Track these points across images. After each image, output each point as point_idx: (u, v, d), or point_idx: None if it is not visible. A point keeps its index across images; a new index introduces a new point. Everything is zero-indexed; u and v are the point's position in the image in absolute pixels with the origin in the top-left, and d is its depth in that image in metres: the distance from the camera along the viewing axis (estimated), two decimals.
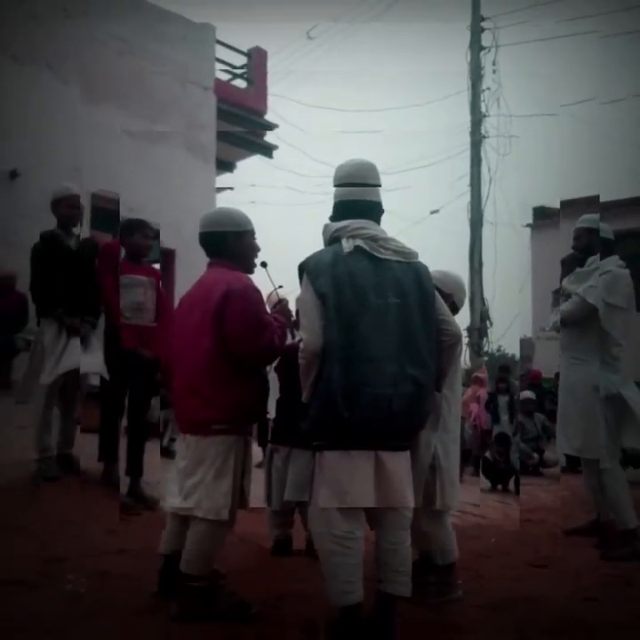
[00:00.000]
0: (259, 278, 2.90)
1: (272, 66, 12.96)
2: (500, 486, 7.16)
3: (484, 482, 7.11)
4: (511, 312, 18.45)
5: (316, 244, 2.64)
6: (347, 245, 2.45)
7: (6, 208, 8.03)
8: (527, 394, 8.33)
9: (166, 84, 10.05)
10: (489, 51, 13.63)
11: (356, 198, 2.58)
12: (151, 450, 4.88)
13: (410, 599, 2.53)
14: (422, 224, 23.44)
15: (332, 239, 2.54)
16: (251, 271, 2.85)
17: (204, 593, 2.60)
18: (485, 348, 15.00)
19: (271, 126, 12.53)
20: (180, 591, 2.59)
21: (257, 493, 3.41)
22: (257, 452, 3.35)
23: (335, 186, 2.65)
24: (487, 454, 7.55)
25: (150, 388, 4.42)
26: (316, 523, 2.43)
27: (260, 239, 2.86)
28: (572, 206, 14.24)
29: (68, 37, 8.82)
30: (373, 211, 2.61)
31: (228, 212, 2.88)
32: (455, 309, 3.07)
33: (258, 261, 2.89)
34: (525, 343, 14.98)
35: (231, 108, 11.47)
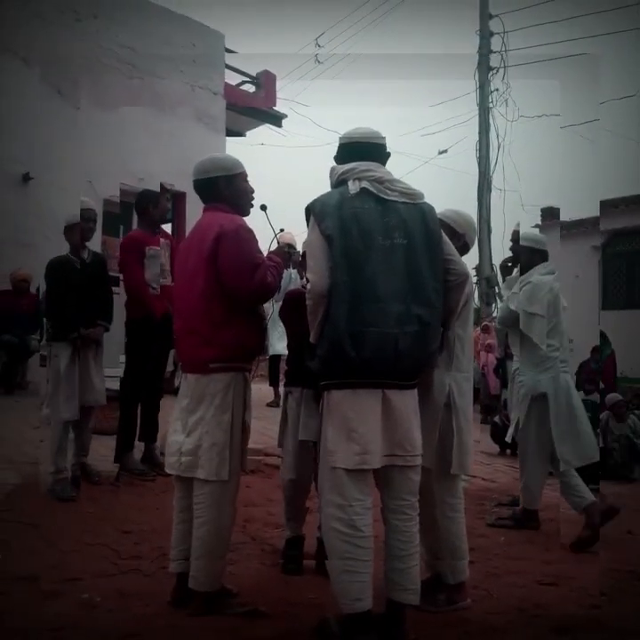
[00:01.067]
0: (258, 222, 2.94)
1: (279, 87, 12.96)
2: (508, 451, 7.14)
3: (493, 446, 7.13)
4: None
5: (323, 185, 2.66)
6: (353, 187, 2.46)
7: (20, 210, 8.11)
8: None
9: (175, 87, 10.11)
10: (497, 72, 13.53)
11: (362, 140, 2.62)
12: (164, 406, 4.93)
13: (418, 608, 2.56)
14: (431, 164, 23.27)
15: (338, 182, 2.56)
16: (246, 213, 2.89)
17: (216, 600, 2.64)
18: (494, 315, 14.90)
19: (280, 116, 12.48)
20: (194, 600, 2.63)
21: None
22: (268, 392, 3.38)
23: (341, 139, 2.69)
24: (496, 419, 7.55)
25: (166, 354, 4.67)
26: (326, 489, 2.44)
27: (266, 182, 2.89)
28: (581, 225, 14.36)
29: (78, 46, 8.86)
30: (379, 153, 2.64)
31: (218, 158, 2.95)
32: (466, 248, 3.10)
33: (257, 204, 2.93)
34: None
35: (240, 110, 11.52)
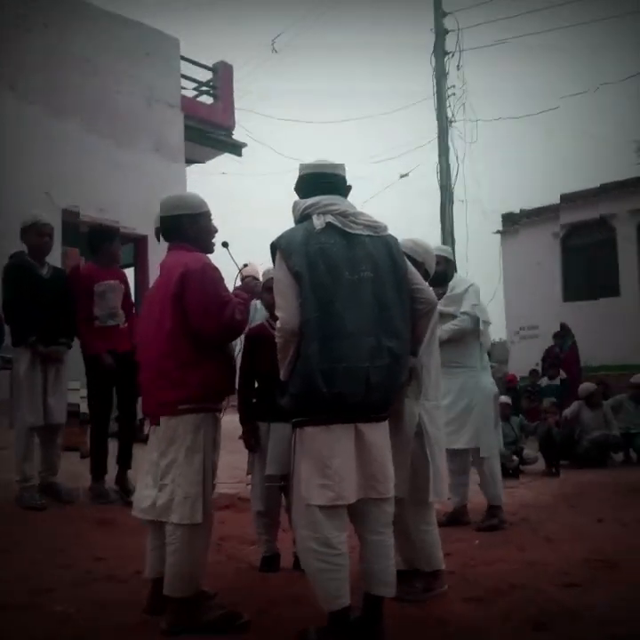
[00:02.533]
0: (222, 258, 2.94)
1: (237, 80, 12.97)
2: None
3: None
4: (485, 292, 18.58)
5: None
6: (318, 222, 2.46)
7: None
8: (503, 399, 8.36)
9: (132, 102, 9.99)
10: (453, 55, 13.67)
11: (323, 171, 2.62)
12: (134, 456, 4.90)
13: (396, 598, 2.58)
14: (393, 188, 23.67)
15: (302, 216, 2.55)
16: (209, 251, 2.88)
17: (192, 606, 2.60)
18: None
19: (240, 145, 12.55)
20: (168, 607, 2.59)
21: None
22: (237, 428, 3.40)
23: (300, 170, 2.68)
24: None
25: (133, 379, 4.53)
26: (301, 525, 2.44)
27: (228, 211, 2.89)
28: (542, 213, 14.65)
29: (29, 54, 8.72)
30: (340, 185, 2.64)
31: (182, 197, 2.93)
32: (427, 276, 3.14)
33: (219, 241, 2.93)
34: (499, 347, 15.10)
35: (199, 125, 11.45)
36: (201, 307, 2.60)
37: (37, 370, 4.28)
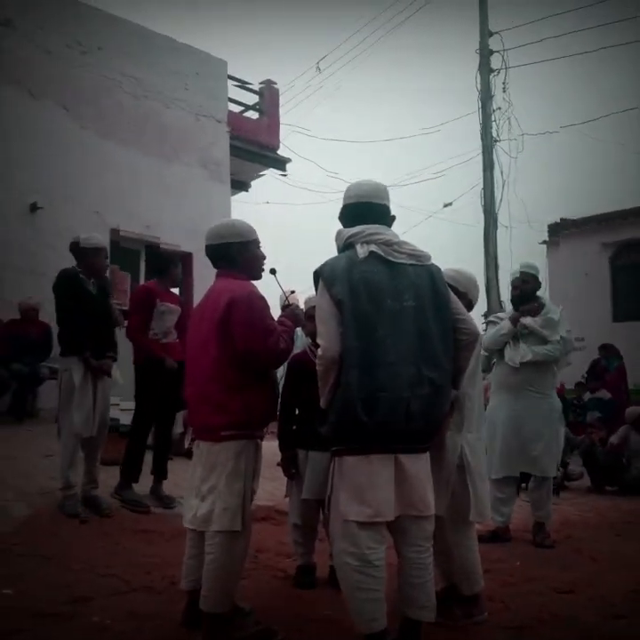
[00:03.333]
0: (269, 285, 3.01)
1: (283, 98, 13.17)
2: (524, 485, 7.02)
3: None
4: None
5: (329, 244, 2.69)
6: (361, 251, 2.46)
7: (29, 240, 8.21)
8: None
9: (180, 118, 10.24)
10: (498, 73, 13.61)
11: (368, 201, 2.61)
12: (174, 470, 4.97)
13: (435, 623, 2.53)
14: (435, 217, 23.66)
15: (345, 245, 2.56)
16: (257, 278, 2.92)
17: (228, 622, 2.60)
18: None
19: (284, 160, 12.68)
20: (203, 622, 2.60)
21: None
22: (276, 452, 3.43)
23: (345, 198, 2.68)
24: None
25: (176, 393, 4.63)
26: (338, 537, 2.42)
27: (272, 241, 2.94)
28: (589, 223, 14.37)
29: (82, 76, 9.02)
30: (384, 215, 2.63)
31: (232, 224, 2.95)
32: (470, 306, 3.11)
33: (267, 268, 2.96)
34: None
35: (245, 145, 11.60)
36: (247, 334, 2.62)
37: (89, 381, 4.40)
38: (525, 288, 4.61)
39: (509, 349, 4.51)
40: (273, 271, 2.99)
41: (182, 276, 9.96)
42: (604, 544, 4.37)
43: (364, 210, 2.60)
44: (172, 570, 3.20)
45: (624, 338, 12.01)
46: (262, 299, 2.75)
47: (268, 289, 2.98)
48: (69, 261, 4.64)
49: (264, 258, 2.94)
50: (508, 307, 5.04)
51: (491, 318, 4.92)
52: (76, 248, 4.57)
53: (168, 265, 5.02)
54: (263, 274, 2.96)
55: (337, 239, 2.62)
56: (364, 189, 2.65)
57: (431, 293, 2.49)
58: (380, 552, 2.37)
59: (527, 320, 4.49)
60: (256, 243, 2.91)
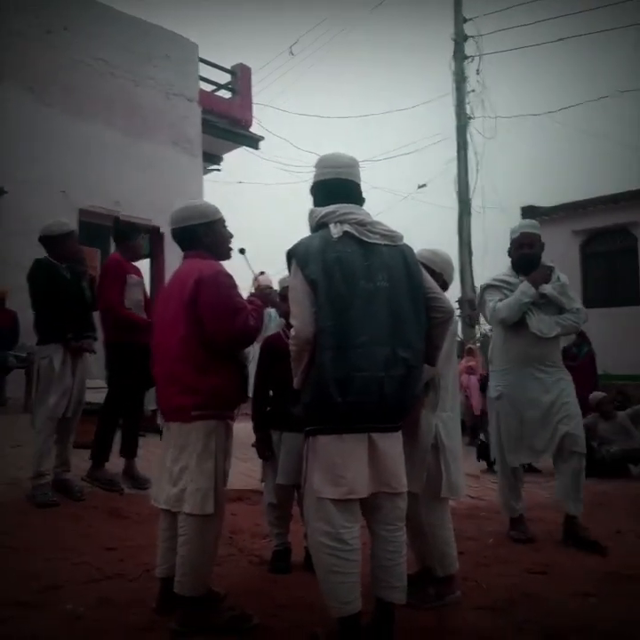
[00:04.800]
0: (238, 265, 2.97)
1: (255, 82, 13.07)
2: (496, 468, 7.13)
3: (481, 464, 7.10)
4: None
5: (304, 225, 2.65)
6: (335, 231, 2.44)
7: None
8: None
9: (150, 97, 10.08)
10: (472, 60, 13.66)
11: (344, 178, 2.58)
12: (147, 448, 4.93)
13: (408, 604, 2.54)
14: (410, 199, 23.94)
15: (318, 225, 2.53)
16: (226, 258, 2.89)
17: (202, 606, 2.59)
18: (477, 334, 15.02)
19: (257, 138, 12.60)
20: (178, 607, 2.59)
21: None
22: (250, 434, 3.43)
23: (319, 171, 2.63)
24: (482, 436, 7.56)
25: (145, 371, 4.58)
26: (312, 516, 2.43)
27: (245, 220, 2.90)
28: (562, 210, 14.54)
29: (48, 56, 8.80)
30: (357, 193, 2.61)
31: (194, 206, 2.91)
32: (445, 287, 3.10)
33: (236, 248, 2.94)
34: None
35: (217, 121, 11.51)
36: (214, 313, 2.61)
37: (68, 365, 4.37)
38: (533, 252, 4.12)
39: (534, 319, 3.96)
40: (242, 251, 2.97)
41: (153, 252, 9.99)
42: None
43: (338, 187, 2.57)
44: (146, 556, 3.18)
45: (594, 324, 12.19)
46: (230, 277, 2.73)
47: (238, 270, 2.94)
48: (37, 248, 4.55)
49: (231, 236, 2.91)
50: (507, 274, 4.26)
51: (491, 282, 4.21)
52: (44, 239, 4.49)
53: (128, 235, 4.88)
54: (232, 254, 2.93)
55: (310, 218, 2.59)
56: (340, 162, 2.61)
57: (404, 274, 2.49)
58: (354, 531, 2.38)
59: (547, 288, 4.00)
60: (221, 222, 2.88)
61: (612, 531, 4.26)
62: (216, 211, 2.87)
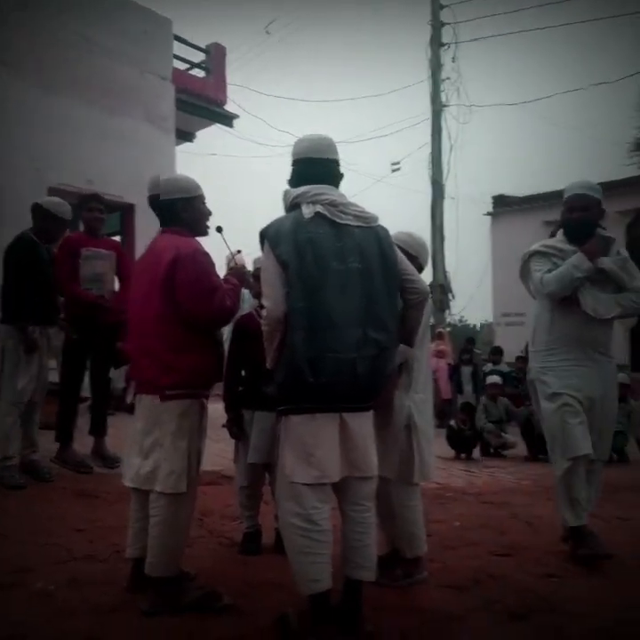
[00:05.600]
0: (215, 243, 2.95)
1: (230, 61, 12.92)
2: (463, 455, 7.30)
3: (448, 450, 7.30)
4: (473, 283, 18.99)
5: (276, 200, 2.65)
6: (307, 211, 2.45)
7: None
8: (494, 379, 8.55)
9: (124, 73, 9.91)
10: (449, 47, 13.68)
11: (317, 157, 2.57)
12: (116, 426, 4.90)
13: (376, 583, 2.60)
14: (384, 182, 23.92)
15: (291, 205, 2.54)
16: (202, 234, 2.87)
17: (173, 586, 2.61)
18: (448, 320, 15.24)
19: (231, 117, 12.48)
20: (148, 587, 2.60)
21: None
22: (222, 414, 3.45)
23: (294, 153, 2.64)
24: (451, 423, 7.72)
25: (111, 349, 4.60)
26: (284, 498, 2.45)
27: (219, 194, 2.88)
28: (533, 201, 14.68)
29: (22, 30, 8.58)
30: (333, 172, 2.61)
31: (176, 180, 2.88)
32: (420, 270, 3.11)
33: (213, 225, 2.92)
34: (487, 329, 15.28)
35: (190, 99, 11.38)
36: (192, 292, 2.59)
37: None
38: (586, 217, 3.47)
39: (589, 296, 3.37)
40: (219, 229, 2.96)
41: (125, 229, 9.87)
42: (539, 509, 4.54)
43: (312, 167, 2.57)
44: (116, 537, 3.18)
45: None
46: (207, 255, 2.71)
47: (214, 248, 2.93)
48: (8, 225, 4.47)
49: (209, 214, 2.90)
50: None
51: (539, 248, 3.59)
52: (40, 210, 4.41)
53: (81, 207, 4.87)
54: (209, 231, 2.91)
55: (284, 199, 2.60)
56: (314, 143, 2.61)
57: (378, 255, 2.50)
58: (325, 512, 2.41)
59: (605, 262, 3.38)
60: (201, 199, 2.86)
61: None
62: (197, 187, 2.85)
